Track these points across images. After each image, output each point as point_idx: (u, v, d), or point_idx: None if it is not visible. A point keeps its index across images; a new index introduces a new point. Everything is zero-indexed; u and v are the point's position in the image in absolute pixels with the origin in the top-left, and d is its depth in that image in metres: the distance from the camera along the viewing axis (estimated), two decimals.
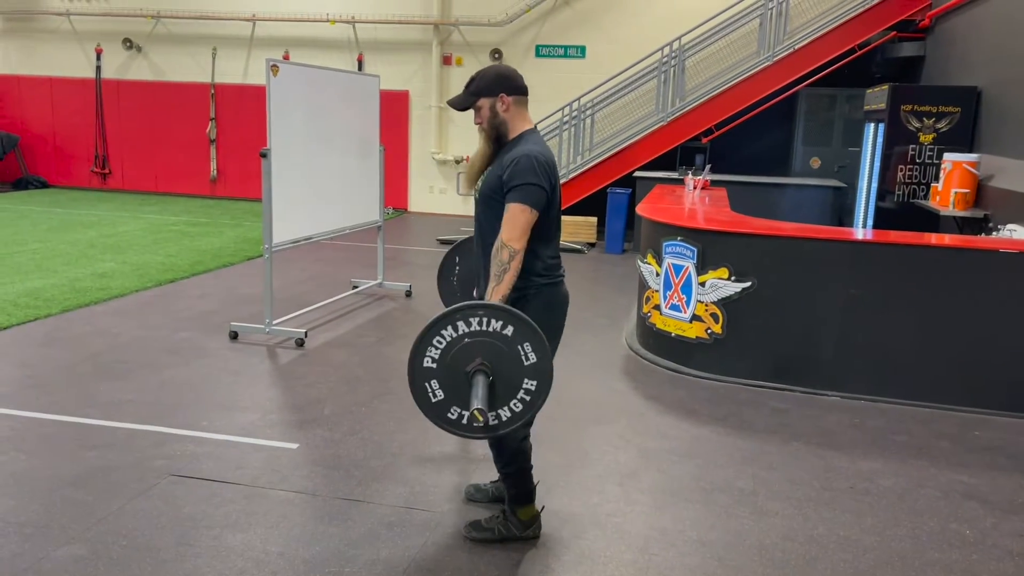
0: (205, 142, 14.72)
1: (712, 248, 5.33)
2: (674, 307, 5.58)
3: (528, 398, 2.75)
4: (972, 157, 7.51)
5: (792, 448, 4.28)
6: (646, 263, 5.92)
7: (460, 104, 3.05)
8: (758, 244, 5.26)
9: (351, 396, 4.83)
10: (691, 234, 5.44)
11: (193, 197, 14.77)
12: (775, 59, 10.73)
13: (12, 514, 3.30)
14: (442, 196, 13.93)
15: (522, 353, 2.71)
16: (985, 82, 8.03)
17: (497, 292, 2.82)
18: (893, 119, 8.44)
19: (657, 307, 5.74)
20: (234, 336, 5.97)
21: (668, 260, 5.60)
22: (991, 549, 3.30)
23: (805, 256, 5.13)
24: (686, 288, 5.47)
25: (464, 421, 2.75)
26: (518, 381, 2.74)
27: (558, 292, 3.08)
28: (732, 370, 5.34)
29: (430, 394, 2.77)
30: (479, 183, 3.06)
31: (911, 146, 8.43)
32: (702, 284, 5.36)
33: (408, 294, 7.63)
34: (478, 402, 2.61)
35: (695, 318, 5.45)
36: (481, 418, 2.59)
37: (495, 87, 2.99)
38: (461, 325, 2.70)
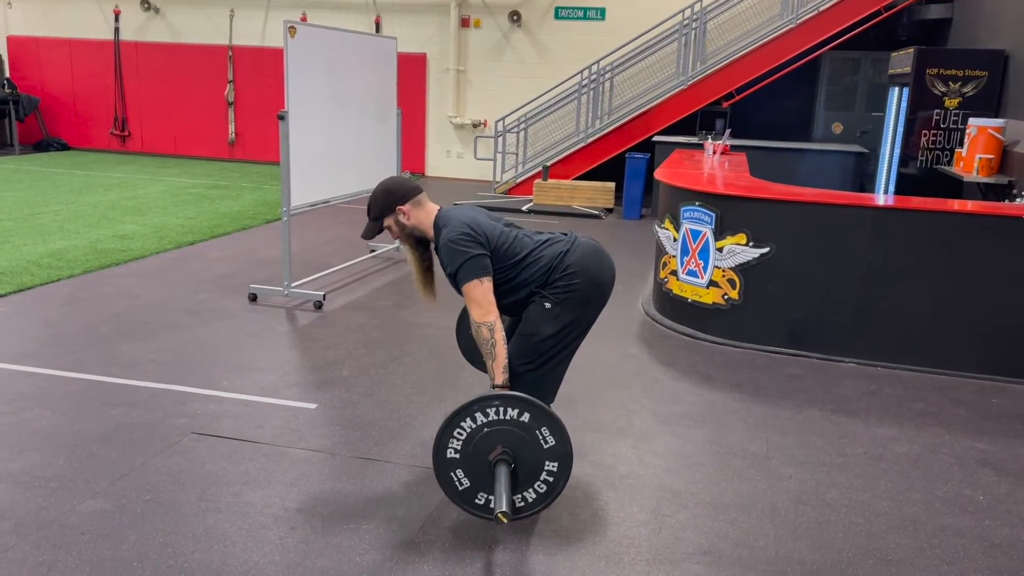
0: (223, 105, 14.72)
1: (730, 213, 5.30)
2: (691, 272, 5.57)
3: (551, 479, 2.88)
4: (998, 122, 7.38)
5: (807, 414, 4.29)
6: (663, 228, 5.90)
7: (371, 233, 3.27)
8: (777, 210, 5.22)
9: (368, 358, 4.88)
10: (709, 199, 5.40)
11: (212, 160, 14.82)
12: (798, 22, 10.55)
13: (38, 469, 3.38)
14: (459, 160, 13.89)
15: (540, 438, 2.83)
16: (1013, 45, 7.86)
17: (497, 366, 2.96)
18: (918, 83, 8.29)
19: (674, 272, 5.73)
20: (253, 298, 6.03)
21: (686, 225, 5.57)
22: (1004, 515, 3.31)
23: (824, 222, 5.09)
24: (703, 253, 5.45)
25: (492, 505, 2.85)
26: (539, 464, 2.87)
27: (576, 261, 3.07)
28: (748, 336, 5.34)
29: (456, 483, 2.89)
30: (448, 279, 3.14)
31: (936, 111, 8.30)
32: (720, 250, 5.34)
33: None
34: (502, 503, 2.70)
35: (712, 284, 5.44)
36: (505, 520, 2.68)
37: (390, 204, 3.16)
38: (479, 416, 2.82)
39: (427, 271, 3.29)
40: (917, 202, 5.20)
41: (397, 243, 7.79)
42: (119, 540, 2.88)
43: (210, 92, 14.71)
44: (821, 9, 10.46)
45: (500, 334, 2.96)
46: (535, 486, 2.89)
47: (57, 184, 11.20)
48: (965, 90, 8.15)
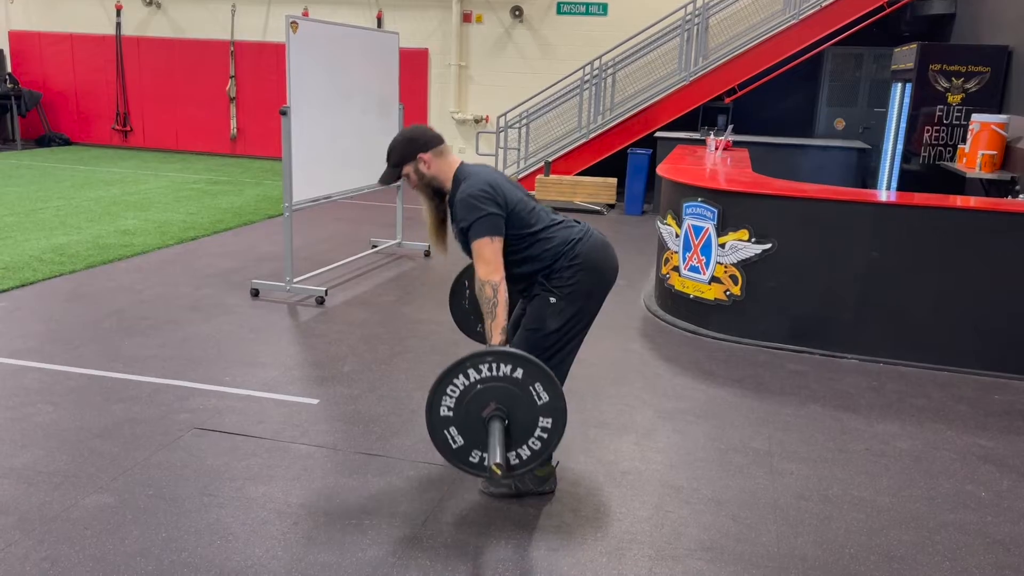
0: (225, 100, 14.71)
1: (733, 209, 5.29)
2: (693, 268, 5.57)
3: (545, 435, 2.85)
4: (1001, 118, 7.37)
5: (808, 410, 4.29)
6: (666, 224, 5.89)
7: (388, 179, 3.20)
8: (779, 206, 5.21)
9: (370, 354, 4.89)
10: (712, 195, 5.40)
11: (213, 155, 14.82)
12: (801, 17, 10.52)
13: (42, 463, 3.39)
14: (461, 155, 13.83)
15: (534, 394, 2.80)
16: (1016, 41, 7.84)
17: (495, 327, 2.93)
18: (921, 79, 8.28)
19: (676, 268, 5.73)
20: (255, 293, 6.03)
21: (688, 221, 5.57)
22: (1006, 511, 3.32)
23: (826, 218, 5.08)
24: (705, 249, 5.45)
25: (486, 464, 2.84)
26: (533, 421, 2.83)
27: (586, 251, 3.08)
28: (750, 332, 5.34)
29: (450, 441, 2.87)
30: (453, 230, 3.14)
31: (938, 107, 8.28)
32: (722, 245, 5.34)
33: (427, 254, 7.65)
34: (495, 456, 2.69)
35: (714, 280, 5.43)
36: (499, 472, 2.68)
37: (411, 151, 3.11)
38: (472, 373, 2.79)
39: (441, 223, 3.25)
40: (919, 198, 5.19)
41: (399, 239, 7.81)
42: (122, 535, 2.89)
43: (212, 87, 14.71)
44: (823, 5, 10.44)
45: (503, 296, 2.93)
46: (529, 443, 2.85)
47: (59, 179, 11.21)
48: (968, 86, 8.14)
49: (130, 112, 15.28)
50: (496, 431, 2.77)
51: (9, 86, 14.86)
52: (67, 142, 15.52)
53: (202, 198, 10.17)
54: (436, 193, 3.19)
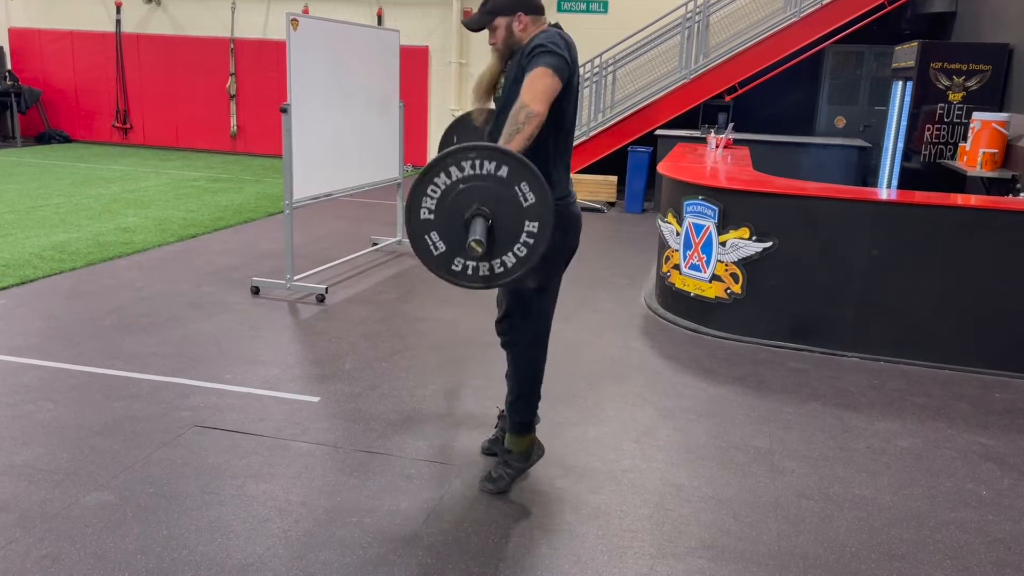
0: (225, 97, 14.70)
1: (734, 207, 5.29)
2: (694, 267, 5.56)
3: (531, 241, 2.63)
4: (1002, 116, 7.36)
5: (809, 408, 4.29)
6: (666, 222, 5.89)
7: (476, 23, 2.97)
8: (780, 204, 5.21)
9: (371, 352, 4.88)
10: (713, 193, 5.39)
11: (213, 153, 14.80)
12: (801, 15, 10.51)
13: (42, 461, 3.39)
14: None
15: (520, 194, 2.58)
16: (1017, 39, 7.83)
17: (506, 145, 2.66)
18: (922, 77, 8.27)
19: (676, 266, 5.72)
20: (255, 291, 6.03)
21: (689, 219, 5.56)
22: (1007, 510, 3.31)
23: (827, 216, 5.08)
24: (706, 247, 5.44)
25: (469, 272, 2.66)
26: (519, 225, 2.61)
27: (571, 214, 3.07)
28: (751, 330, 5.33)
29: (431, 247, 2.66)
30: (498, 92, 2.96)
31: (939, 105, 8.27)
32: (723, 244, 5.34)
33: None
34: (475, 234, 2.51)
35: (715, 278, 5.43)
36: (479, 248, 2.50)
37: (513, 6, 2.90)
38: (454, 171, 2.57)
39: (492, 87, 3.04)
40: (920, 196, 5.19)
41: (400, 236, 7.81)
42: (123, 532, 2.89)
43: (212, 85, 14.69)
44: (824, 3, 10.42)
45: (531, 130, 2.66)
46: (514, 249, 2.63)
47: (59, 177, 11.20)
48: (969, 84, 8.13)
49: (130, 109, 15.27)
50: (478, 224, 2.57)
51: (9, 83, 14.84)
52: (67, 139, 15.50)
53: (202, 195, 10.17)
54: (511, 56, 2.97)
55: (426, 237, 2.65)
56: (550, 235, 2.63)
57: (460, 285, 2.73)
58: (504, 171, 2.57)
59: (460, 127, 3.74)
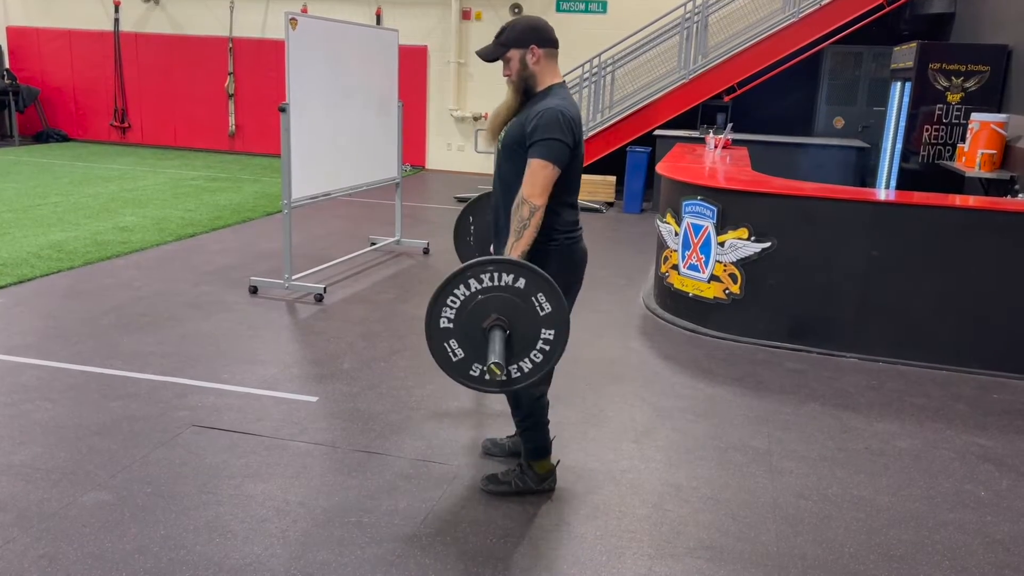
0: (223, 97, 14.68)
1: (732, 208, 5.29)
2: (692, 267, 5.56)
3: (548, 348, 2.75)
4: (1000, 117, 7.37)
5: (808, 409, 4.29)
6: (665, 222, 5.89)
7: (490, 55, 3.00)
8: (779, 204, 5.21)
9: (370, 351, 4.88)
10: (711, 193, 5.39)
11: (212, 152, 14.79)
12: (800, 15, 10.51)
13: (40, 460, 3.38)
14: (460, 153, 13.87)
15: (536, 304, 2.70)
16: (1016, 40, 7.84)
17: (516, 248, 2.81)
18: (920, 78, 8.27)
19: (675, 267, 5.72)
20: (254, 291, 6.02)
21: (687, 219, 5.56)
22: (1005, 511, 3.32)
23: (826, 217, 5.08)
24: (705, 248, 5.44)
25: (487, 377, 2.76)
26: (535, 332, 2.73)
27: (576, 249, 3.08)
28: (749, 330, 5.33)
29: (450, 353, 2.79)
30: (502, 134, 3.03)
31: (938, 105, 8.28)
32: (721, 244, 5.34)
33: (426, 251, 7.64)
34: (494, 356, 2.62)
35: (713, 278, 5.43)
36: (498, 371, 2.60)
37: (526, 38, 2.94)
38: (473, 283, 2.70)
39: (505, 122, 3.07)
40: (919, 197, 5.19)
41: (398, 236, 7.80)
42: (121, 532, 2.88)
43: (210, 84, 14.67)
44: (823, 3, 10.43)
45: (537, 221, 2.81)
46: (531, 355, 2.75)
47: (57, 175, 11.18)
48: (967, 85, 8.14)
49: (128, 108, 15.25)
50: (497, 338, 2.68)
51: (7, 82, 14.82)
52: (65, 138, 15.48)
53: (200, 195, 10.16)
54: (524, 91, 3.00)
55: (445, 344, 2.79)
56: (565, 342, 2.75)
57: (478, 389, 2.87)
58: (522, 283, 2.70)
59: (476, 209, 3.75)
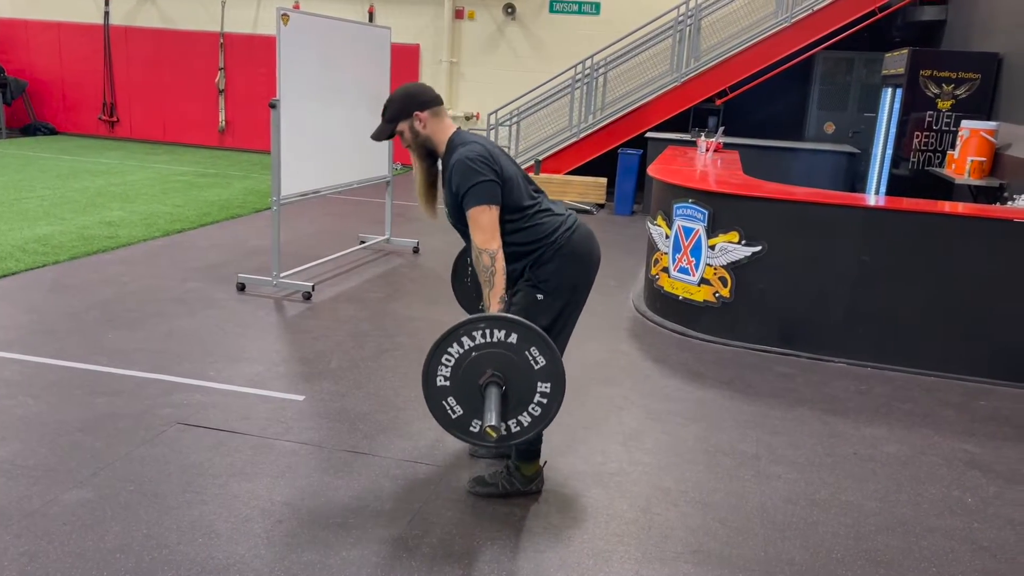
0: (214, 92, 14.60)
1: (724, 211, 5.28)
2: (683, 270, 5.55)
3: (545, 401, 2.81)
4: (991, 125, 7.40)
5: (796, 413, 4.29)
6: (656, 225, 5.88)
7: (382, 134, 3.12)
8: (770, 208, 5.21)
9: (357, 351, 4.85)
10: (703, 197, 5.39)
11: (201, 148, 14.70)
12: (793, 20, 10.54)
13: (20, 457, 3.33)
14: None
15: (530, 358, 2.75)
16: (1007, 49, 7.88)
17: (493, 296, 2.89)
18: (911, 84, 8.30)
19: (665, 269, 5.71)
20: (241, 288, 5.98)
21: (678, 222, 5.55)
22: (992, 518, 3.32)
23: (817, 221, 5.08)
24: (695, 251, 5.44)
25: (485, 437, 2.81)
26: (531, 386, 2.78)
27: (574, 241, 3.04)
28: (739, 334, 5.33)
29: (449, 411, 2.83)
30: (441, 205, 3.10)
31: (928, 112, 8.31)
32: (712, 247, 5.33)
33: (415, 250, 7.61)
34: (490, 418, 2.66)
35: (703, 281, 5.42)
36: (494, 434, 2.64)
37: (408, 108, 3.04)
38: (466, 340, 2.75)
39: (431, 186, 3.18)
40: (909, 203, 5.20)
41: (388, 235, 7.77)
42: (102, 531, 2.84)
43: (200, 79, 14.58)
44: (815, 9, 10.46)
45: (501, 263, 2.88)
46: (529, 409, 2.80)
47: (44, 169, 11.08)
48: (958, 92, 8.17)
49: (117, 102, 15.14)
50: (493, 396, 2.71)
51: None
52: (53, 131, 15.36)
53: (189, 190, 10.09)
54: (428, 154, 3.10)
55: (443, 403, 2.82)
56: (563, 394, 2.79)
57: (477, 445, 2.93)
58: (514, 338, 2.74)
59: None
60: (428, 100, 3.05)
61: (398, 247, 7.75)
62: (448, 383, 2.79)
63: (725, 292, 5.34)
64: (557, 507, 3.20)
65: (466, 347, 2.75)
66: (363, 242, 7.71)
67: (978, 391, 4.75)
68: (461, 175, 2.88)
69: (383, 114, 3.09)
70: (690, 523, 3.14)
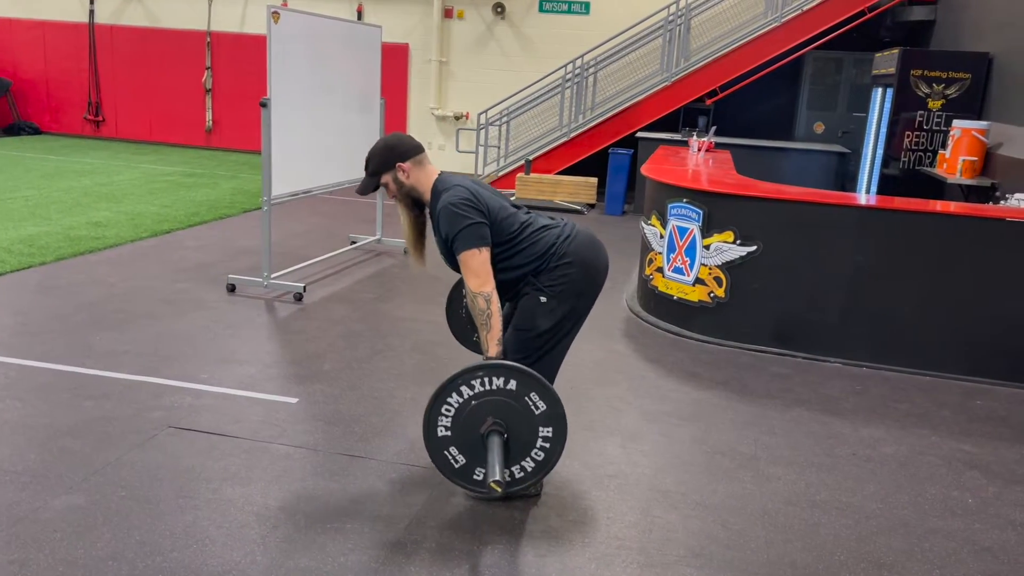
0: (200, 91, 14.48)
1: (718, 211, 5.26)
2: (677, 270, 5.53)
3: (548, 445, 2.80)
4: (981, 124, 7.41)
5: (794, 413, 4.27)
6: (650, 225, 5.85)
7: (366, 188, 3.14)
8: (765, 208, 5.19)
9: (350, 352, 4.79)
10: (698, 196, 5.36)
11: (188, 147, 14.58)
12: (783, 20, 10.55)
13: (8, 462, 3.26)
14: (440, 152, 13.76)
15: (531, 404, 2.75)
16: (997, 48, 7.90)
17: (491, 337, 2.89)
18: (902, 84, 8.32)
19: (660, 269, 5.68)
20: (232, 289, 5.91)
21: (673, 222, 5.53)
22: (993, 518, 3.30)
23: (812, 221, 5.06)
24: (690, 251, 5.41)
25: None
26: (533, 432, 2.78)
27: (576, 249, 3.03)
28: (734, 334, 5.31)
29: (452, 461, 2.82)
30: (438, 248, 3.11)
31: (919, 112, 8.32)
32: (707, 247, 5.30)
33: (406, 251, 7.54)
34: (494, 472, 2.65)
35: (698, 281, 5.40)
36: (499, 489, 2.63)
37: (389, 160, 3.06)
38: (465, 390, 2.75)
39: (420, 235, 3.20)
40: (903, 202, 5.19)
41: (379, 235, 7.70)
42: (93, 538, 2.78)
43: (187, 78, 14.46)
44: (805, 8, 10.47)
45: (496, 305, 2.89)
46: (532, 454, 2.80)
47: (29, 169, 10.95)
48: (949, 92, 8.19)
49: (103, 102, 14.99)
50: (495, 446, 2.72)
51: None
52: (37, 131, 15.19)
53: (176, 190, 9.99)
54: (415, 203, 3.14)
55: (445, 452, 2.83)
56: (565, 438, 2.81)
57: (483, 494, 2.95)
58: (513, 384, 2.74)
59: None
60: (408, 150, 3.07)
61: (389, 247, 7.69)
62: (449, 433, 2.78)
63: (720, 292, 5.31)
64: (556, 510, 3.16)
65: (465, 396, 2.75)
66: (354, 242, 7.65)
67: (974, 391, 4.75)
68: (448, 221, 2.91)
69: (366, 167, 3.12)
70: (691, 526, 3.11)
